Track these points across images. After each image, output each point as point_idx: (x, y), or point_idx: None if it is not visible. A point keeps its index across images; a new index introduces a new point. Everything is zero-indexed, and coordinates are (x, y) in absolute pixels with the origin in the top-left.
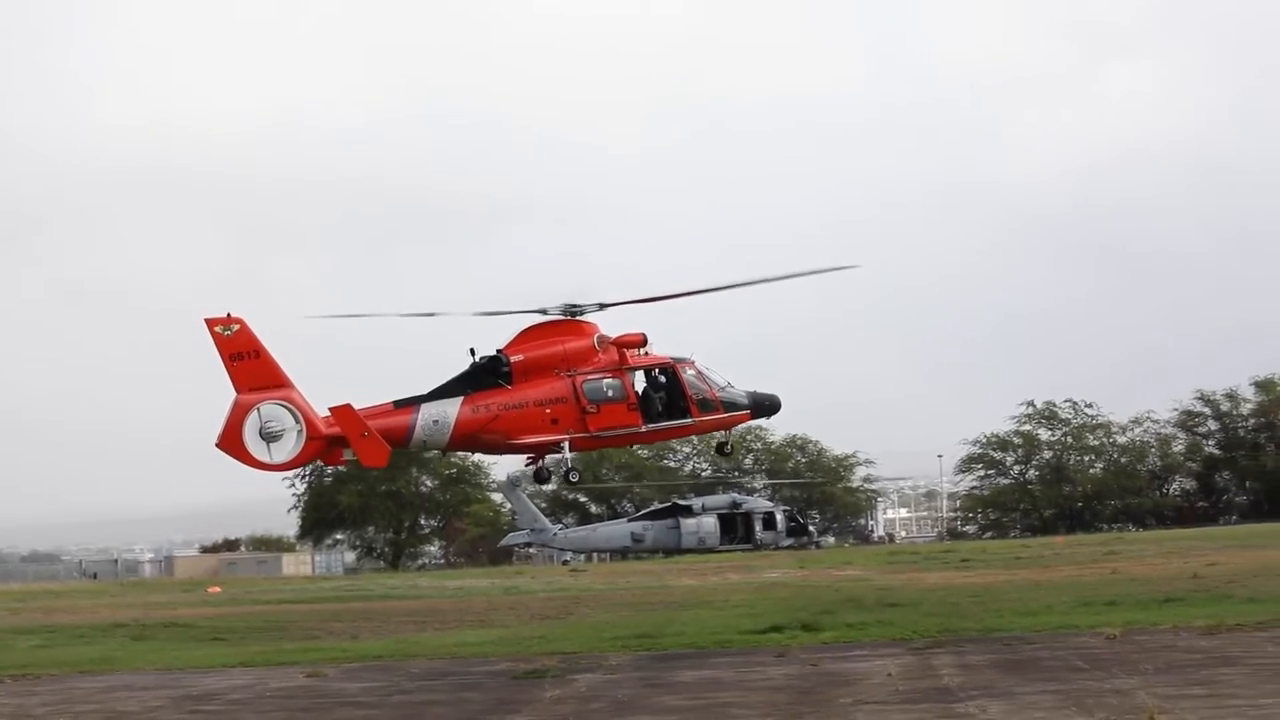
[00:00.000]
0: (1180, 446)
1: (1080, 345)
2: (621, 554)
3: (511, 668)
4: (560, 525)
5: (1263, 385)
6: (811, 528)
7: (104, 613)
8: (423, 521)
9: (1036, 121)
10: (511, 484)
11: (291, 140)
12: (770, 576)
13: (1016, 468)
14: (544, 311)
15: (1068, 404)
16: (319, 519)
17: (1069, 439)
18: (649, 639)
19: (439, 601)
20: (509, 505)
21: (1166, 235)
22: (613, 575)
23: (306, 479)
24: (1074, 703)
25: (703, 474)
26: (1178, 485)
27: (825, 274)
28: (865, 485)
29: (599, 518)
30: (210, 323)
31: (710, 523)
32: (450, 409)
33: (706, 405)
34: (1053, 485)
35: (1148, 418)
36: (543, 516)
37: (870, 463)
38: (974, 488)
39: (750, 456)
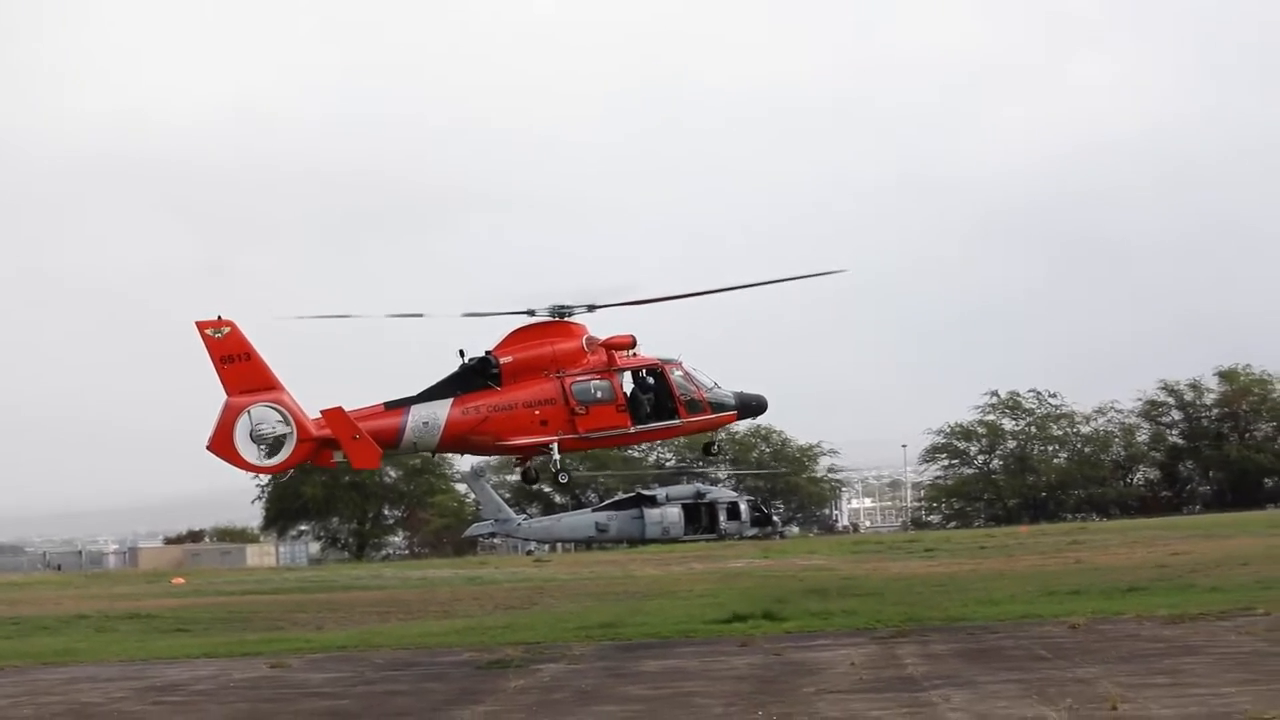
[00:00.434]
0: (1144, 436)
1: (1044, 335)
2: (586, 544)
3: (475, 658)
4: (524, 515)
5: (1226, 375)
6: (776, 518)
7: (68, 604)
8: (387, 512)
9: (1002, 113)
10: (475, 474)
11: (250, 131)
12: (734, 566)
13: (981, 457)
14: (532, 313)
15: (1032, 394)
16: (283, 510)
17: (1033, 429)
18: (613, 629)
19: (403, 592)
20: (473, 496)
21: (1131, 226)
22: (577, 565)
23: None
24: (1037, 692)
25: (667, 464)
26: (1142, 475)
27: (815, 278)
28: (830, 475)
29: (563, 508)
30: (201, 325)
31: (674, 513)
32: (440, 411)
33: (694, 406)
34: (1017, 475)
35: (1112, 407)
36: (507, 507)
37: (834, 453)
38: (938, 477)
39: (714, 446)
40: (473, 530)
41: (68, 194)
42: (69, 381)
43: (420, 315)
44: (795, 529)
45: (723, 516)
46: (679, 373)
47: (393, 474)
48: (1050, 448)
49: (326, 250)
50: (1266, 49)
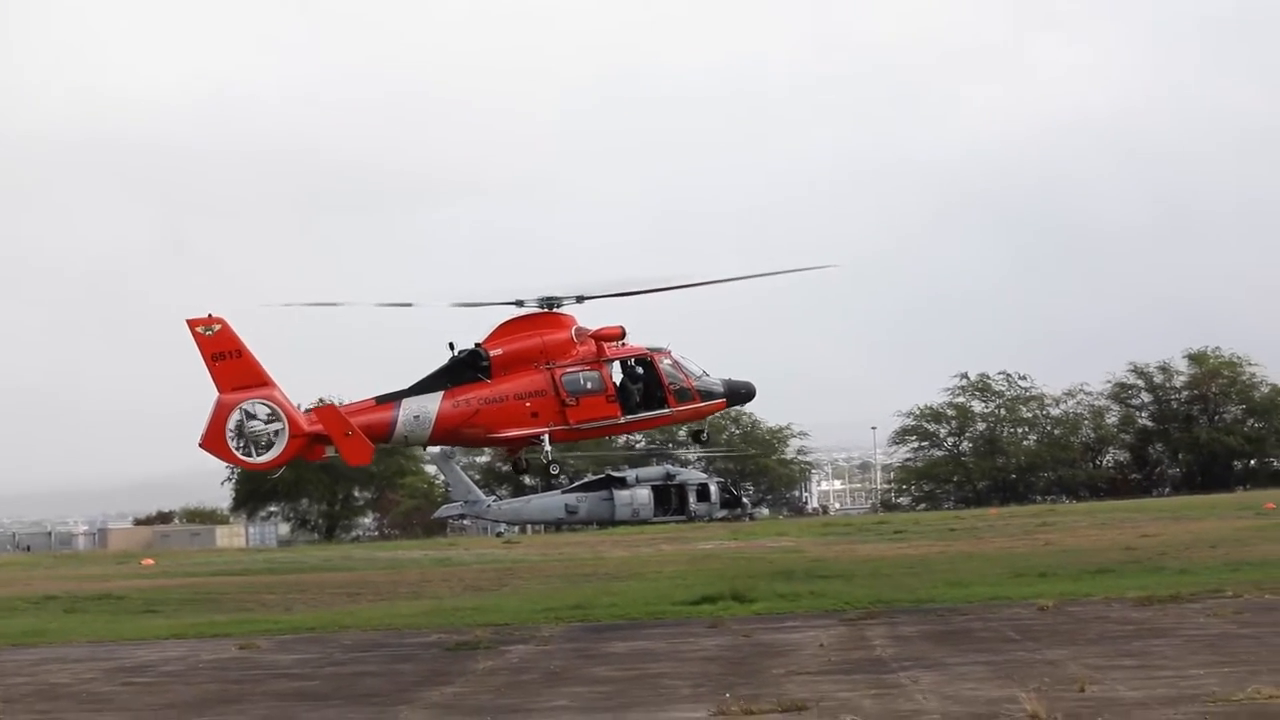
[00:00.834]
0: (1113, 419)
1: (1013, 318)
2: (555, 525)
3: (444, 639)
4: (494, 497)
5: (1195, 358)
6: (745, 499)
7: (37, 585)
8: (356, 494)
9: (968, 95)
10: (445, 456)
11: (216, 111)
12: (704, 548)
13: (950, 440)
14: (520, 303)
15: (1001, 376)
16: (252, 491)
17: (1002, 411)
18: (582, 610)
19: (372, 573)
20: (442, 477)
21: (1098, 209)
22: (546, 547)
23: None
24: (1005, 673)
25: (636, 446)
26: (1111, 457)
27: (804, 271)
28: (799, 457)
29: (532, 489)
30: (192, 323)
31: (644, 494)
32: (431, 404)
33: (684, 395)
34: (986, 457)
35: (1081, 390)
36: (476, 488)
37: (804, 435)
38: (908, 460)
39: (685, 428)
40: (442, 512)
41: (33, 175)
42: (38, 362)
43: (409, 305)
44: (765, 511)
45: (692, 498)
46: (668, 362)
47: None
48: (1020, 430)
49: (288, 229)
50: (1233, 30)
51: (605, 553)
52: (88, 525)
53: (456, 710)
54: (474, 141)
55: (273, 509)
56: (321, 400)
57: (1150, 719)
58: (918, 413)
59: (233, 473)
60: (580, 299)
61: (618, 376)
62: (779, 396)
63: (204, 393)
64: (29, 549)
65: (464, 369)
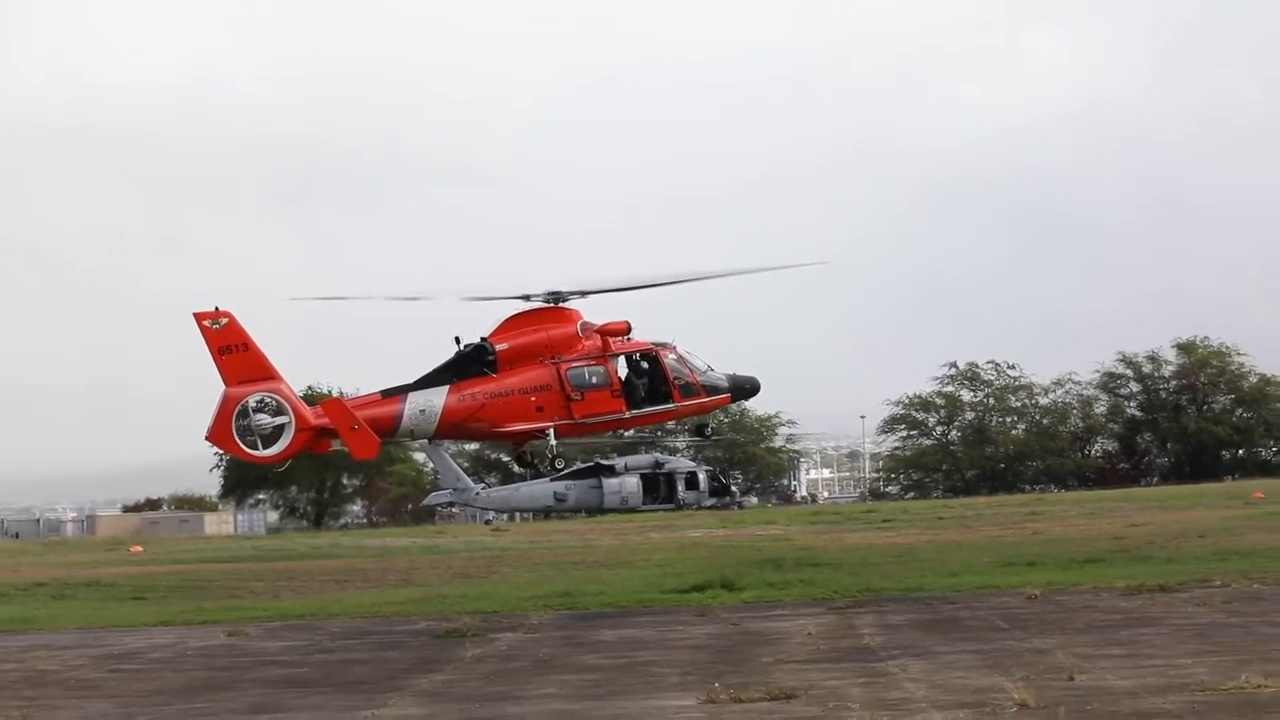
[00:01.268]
0: (1102, 408)
1: (1002, 307)
2: (544, 513)
3: (433, 626)
4: (483, 485)
5: (1184, 347)
6: (734, 488)
7: (25, 572)
8: (345, 481)
9: (957, 84)
10: (434, 443)
11: (203, 98)
12: (692, 536)
13: (939, 428)
14: (527, 298)
15: (990, 365)
16: (241, 478)
17: (991, 400)
18: (570, 598)
19: (361, 561)
20: (431, 465)
21: (1087, 198)
22: (535, 534)
23: None
24: (994, 662)
25: (625, 434)
26: (1099, 446)
27: (798, 269)
28: (788, 445)
29: (521, 477)
30: (199, 317)
31: (633, 482)
32: (437, 398)
33: (688, 390)
34: (975, 446)
35: (1070, 379)
36: (465, 476)
37: (793, 423)
38: (896, 448)
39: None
40: (431, 499)
41: (19, 159)
42: (26, 349)
43: (418, 299)
44: (753, 499)
45: (681, 486)
46: (672, 356)
47: None
48: (1008, 419)
49: (274, 215)
50: (1225, 23)
51: (594, 540)
52: (76, 512)
53: (445, 698)
54: (468, 125)
55: (261, 496)
56: (310, 390)
57: (1139, 708)
58: (906, 401)
59: (221, 460)
60: (585, 294)
61: (623, 371)
62: (768, 384)
63: (196, 381)
64: (17, 536)
65: (470, 363)
